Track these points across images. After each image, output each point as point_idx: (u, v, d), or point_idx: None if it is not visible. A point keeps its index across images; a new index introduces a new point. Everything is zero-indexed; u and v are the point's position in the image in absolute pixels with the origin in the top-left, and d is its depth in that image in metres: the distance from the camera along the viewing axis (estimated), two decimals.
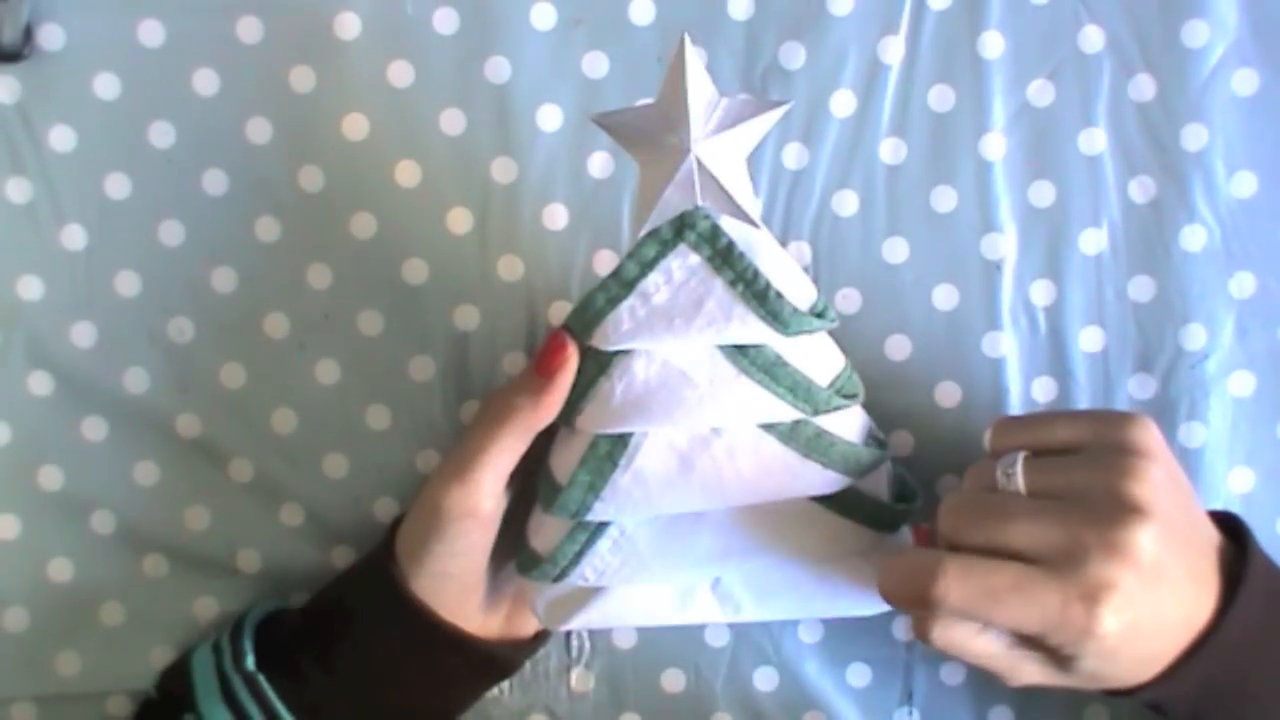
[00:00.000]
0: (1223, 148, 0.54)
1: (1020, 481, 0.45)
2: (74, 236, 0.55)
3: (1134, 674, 0.45)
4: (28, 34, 0.54)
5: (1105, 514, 0.43)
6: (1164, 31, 0.54)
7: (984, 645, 0.45)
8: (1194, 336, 0.55)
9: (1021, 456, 0.46)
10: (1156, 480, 0.43)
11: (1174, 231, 0.55)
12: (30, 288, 0.55)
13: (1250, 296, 0.55)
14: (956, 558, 0.43)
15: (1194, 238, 0.55)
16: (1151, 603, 0.43)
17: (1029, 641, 0.44)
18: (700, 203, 0.45)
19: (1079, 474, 0.44)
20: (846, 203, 0.55)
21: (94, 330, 0.56)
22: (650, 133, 0.46)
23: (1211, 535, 0.46)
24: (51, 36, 0.54)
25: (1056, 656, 0.44)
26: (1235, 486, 0.55)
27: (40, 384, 0.56)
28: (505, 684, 0.56)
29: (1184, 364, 0.55)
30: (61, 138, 0.55)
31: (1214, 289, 0.55)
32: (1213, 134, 0.54)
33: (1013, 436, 0.47)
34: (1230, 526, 0.48)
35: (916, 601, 0.44)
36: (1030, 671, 0.45)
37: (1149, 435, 0.45)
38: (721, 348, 0.46)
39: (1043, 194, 0.55)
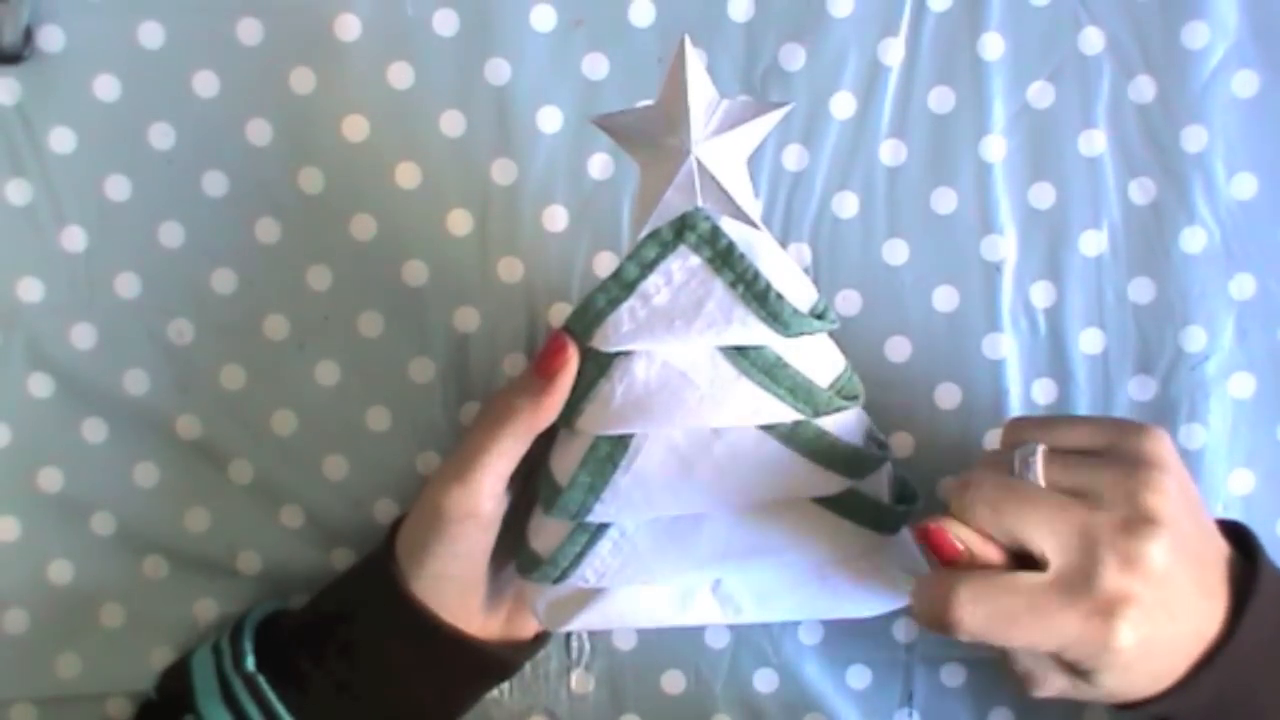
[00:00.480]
0: (1223, 149, 0.54)
1: (1039, 472, 0.45)
2: (74, 238, 0.55)
3: (1146, 688, 0.45)
4: (28, 35, 0.54)
5: (1119, 522, 0.43)
6: (1164, 33, 0.54)
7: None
8: (1194, 338, 0.55)
9: (1041, 449, 0.45)
10: (1170, 492, 0.43)
11: (1174, 233, 0.55)
12: (30, 289, 0.55)
13: (1250, 298, 0.55)
14: (968, 581, 0.43)
15: (1194, 239, 0.55)
16: (1164, 615, 0.43)
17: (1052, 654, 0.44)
18: (700, 204, 0.45)
19: (1096, 476, 0.44)
20: (846, 204, 0.55)
21: (94, 332, 0.55)
22: (650, 134, 0.46)
23: (1221, 547, 0.46)
24: (51, 38, 0.54)
25: (1074, 671, 0.44)
26: (1235, 488, 0.55)
27: (40, 385, 0.56)
28: (505, 685, 0.56)
29: (1184, 366, 0.55)
30: (61, 139, 0.55)
31: (1214, 291, 0.55)
32: (1213, 136, 0.54)
33: (1027, 435, 0.47)
34: (1238, 537, 0.48)
35: (938, 625, 0.44)
36: (1056, 683, 0.45)
37: (1164, 447, 0.45)
38: (722, 349, 0.46)
39: (1043, 195, 0.55)
